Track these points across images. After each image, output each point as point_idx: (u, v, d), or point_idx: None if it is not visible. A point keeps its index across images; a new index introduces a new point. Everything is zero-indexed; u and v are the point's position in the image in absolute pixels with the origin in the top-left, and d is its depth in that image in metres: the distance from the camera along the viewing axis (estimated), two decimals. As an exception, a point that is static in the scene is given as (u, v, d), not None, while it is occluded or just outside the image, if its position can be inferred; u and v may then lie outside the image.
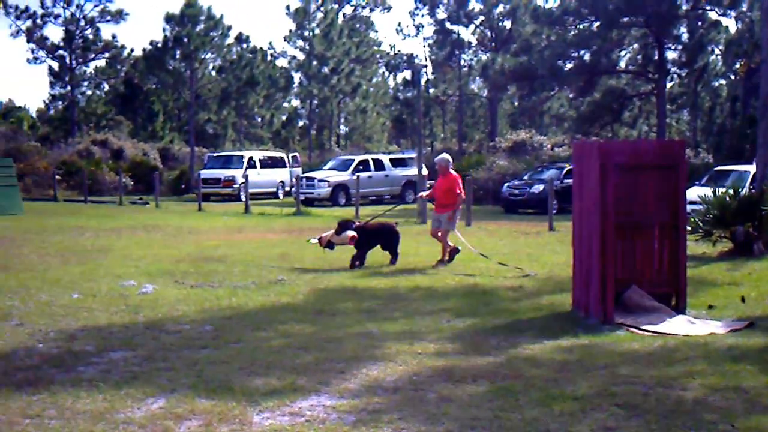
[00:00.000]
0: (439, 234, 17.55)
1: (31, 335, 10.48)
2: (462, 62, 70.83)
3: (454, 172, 17.91)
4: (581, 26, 47.81)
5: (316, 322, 11.30)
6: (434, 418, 7.13)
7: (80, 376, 8.51)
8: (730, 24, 52.88)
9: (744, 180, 26.73)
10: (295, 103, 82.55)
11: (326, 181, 40.80)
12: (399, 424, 7.01)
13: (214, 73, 68.47)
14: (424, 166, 32.43)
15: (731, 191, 19.12)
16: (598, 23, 46.30)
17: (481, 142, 65.44)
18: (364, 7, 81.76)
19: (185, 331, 10.72)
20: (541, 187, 33.76)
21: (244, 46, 72.73)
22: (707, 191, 20.12)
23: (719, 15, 47.49)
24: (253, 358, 9.20)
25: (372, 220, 18.81)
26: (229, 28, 63.38)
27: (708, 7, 46.41)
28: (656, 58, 47.03)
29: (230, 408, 7.40)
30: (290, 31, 73.28)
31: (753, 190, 20.17)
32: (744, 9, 46.95)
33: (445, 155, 18.47)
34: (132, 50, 73.88)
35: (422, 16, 70.84)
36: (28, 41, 67.25)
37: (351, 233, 17.03)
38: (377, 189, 42.10)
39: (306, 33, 71.14)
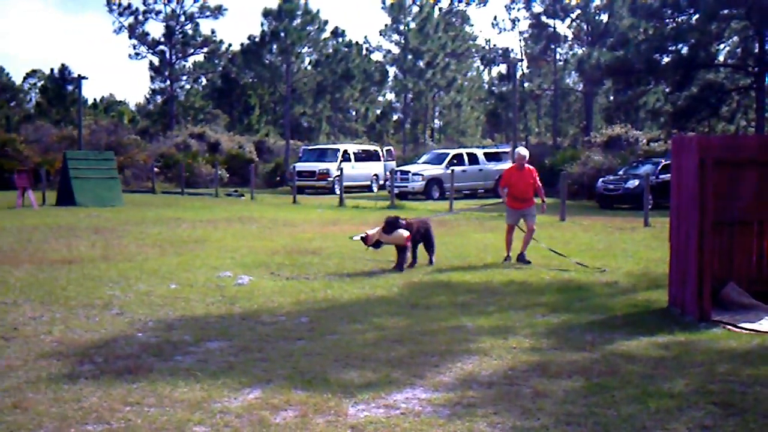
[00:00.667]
0: (527, 228, 17.04)
1: (131, 324, 10.69)
2: (557, 56, 70.30)
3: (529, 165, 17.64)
4: (679, 19, 47.06)
5: (410, 315, 11.34)
6: (529, 413, 7.12)
7: (178, 366, 8.66)
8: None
9: None
10: (390, 96, 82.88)
11: (420, 174, 40.86)
12: (494, 418, 7.00)
13: (309, 67, 69.00)
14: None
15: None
16: (696, 16, 45.55)
17: (576, 136, 64.97)
18: (460, 1, 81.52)
19: (281, 322, 10.84)
20: (636, 182, 33.42)
21: (340, 40, 73.14)
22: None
23: (824, 5, 46.41)
24: (348, 350, 9.27)
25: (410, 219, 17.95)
26: (326, 22, 63.92)
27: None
28: (756, 51, 46.07)
29: (325, 399, 7.46)
30: (385, 25, 73.47)
31: None
32: None
33: (524, 149, 18.23)
34: (230, 45, 74.87)
35: (518, 9, 70.60)
36: (130, 37, 68.65)
37: (405, 233, 15.87)
38: (471, 183, 42.07)
39: (401, 27, 71.23)
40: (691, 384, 7.97)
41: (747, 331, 10.43)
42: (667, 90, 52.46)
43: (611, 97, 70.67)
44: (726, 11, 44.87)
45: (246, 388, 7.86)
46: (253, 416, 7.05)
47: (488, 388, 7.87)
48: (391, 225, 15.91)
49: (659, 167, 34.06)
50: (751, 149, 11.92)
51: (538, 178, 17.35)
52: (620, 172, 36.95)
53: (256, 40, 60.59)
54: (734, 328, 10.57)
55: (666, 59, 47.16)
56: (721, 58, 50.78)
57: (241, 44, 64.38)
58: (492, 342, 9.66)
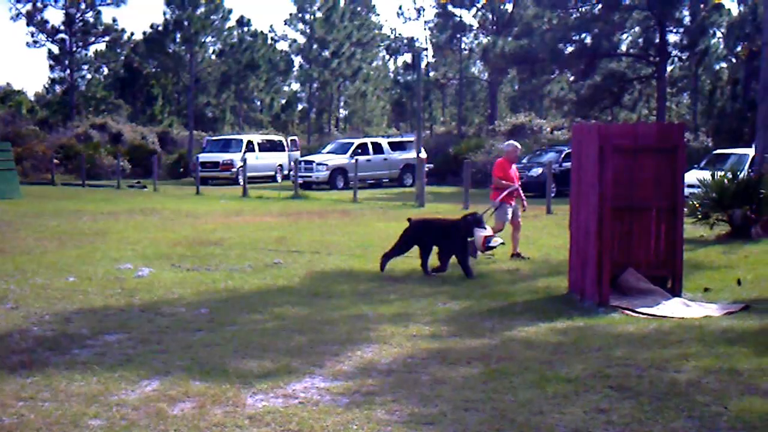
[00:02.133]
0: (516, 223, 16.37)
1: (27, 318, 10.46)
2: (463, 45, 70.66)
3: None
4: (583, 9, 47.64)
5: (311, 304, 11.28)
6: (427, 400, 7.14)
7: (75, 359, 8.50)
8: (733, 7, 52.94)
9: (743, 163, 26.66)
10: (295, 86, 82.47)
11: (324, 164, 40.75)
12: (392, 405, 7.00)
13: (214, 56, 68.34)
14: (423, 149, 32.35)
15: (729, 174, 19.11)
16: (599, 6, 46.16)
17: (481, 125, 65.32)
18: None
19: (180, 314, 10.71)
20: (539, 170, 33.73)
21: (245, 29, 72.53)
22: (706, 174, 20.10)
23: (722, -3, 47.37)
24: (248, 340, 9.20)
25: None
26: (230, 11, 63.25)
27: (710, -10, 46.31)
28: (657, 41, 46.85)
29: (224, 390, 7.39)
30: (291, 14, 73.12)
31: (752, 174, 20.12)
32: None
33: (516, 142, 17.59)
34: (132, 34, 73.73)
35: (424, -1, 70.88)
36: (28, 24, 66.96)
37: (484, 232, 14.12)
38: (376, 172, 42.08)
39: (307, 16, 70.98)
40: (588, 368, 8.04)
41: (645, 316, 10.59)
42: (571, 79, 53.13)
43: (516, 86, 71.36)
44: (628, 1, 45.59)
45: (144, 380, 7.75)
46: (150, 408, 6.95)
47: (387, 376, 7.86)
48: (473, 223, 14.11)
49: (562, 155, 34.44)
50: (649, 137, 12.07)
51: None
52: (524, 161, 37.22)
53: (159, 29, 59.73)
54: (632, 313, 10.72)
55: (570, 48, 47.73)
56: (623, 47, 51.58)
57: (144, 33, 63.44)
58: (392, 330, 9.65)
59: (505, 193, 15.99)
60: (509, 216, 16.24)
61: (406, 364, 8.25)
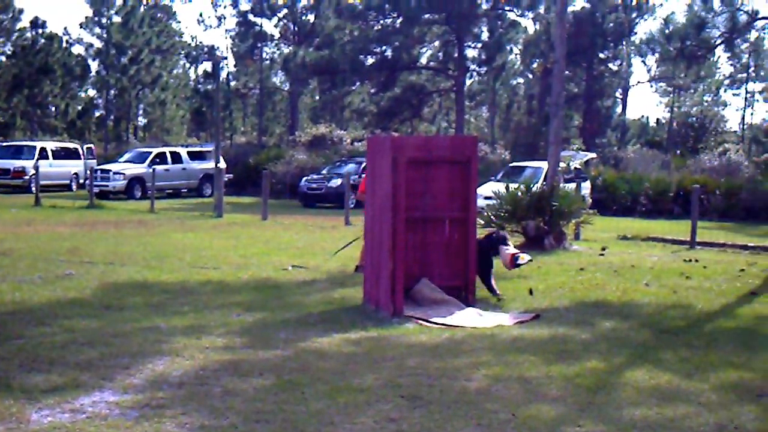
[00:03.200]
0: None
1: None
2: (264, 55, 70.45)
3: None
4: (383, 22, 48.29)
5: (102, 317, 11.00)
6: (218, 412, 7.08)
7: None
8: (528, 24, 54.52)
9: (537, 176, 27.51)
10: (92, 92, 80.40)
11: (121, 173, 39.88)
12: (182, 418, 6.92)
13: (4, 59, 66.01)
14: (222, 159, 32.11)
15: (523, 187, 19.69)
16: (400, 19, 46.89)
17: (282, 136, 65.37)
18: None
19: (-38, 327, 10.27)
20: (339, 181, 33.99)
21: (39, 31, 70.32)
22: (501, 187, 20.64)
23: (518, 15, 48.85)
24: (35, 354, 8.89)
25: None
26: (21, 11, 61.21)
27: (507, 8, 47.62)
28: (456, 55, 47.96)
29: (7, 407, 7.13)
30: (87, 17, 71.33)
31: (545, 186, 20.79)
32: (541, 10, 48.42)
33: None
34: None
35: (224, 7, 70.15)
36: None
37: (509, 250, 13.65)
38: (174, 182, 41.47)
39: (104, 20, 69.39)
40: (380, 378, 8.12)
41: (438, 326, 10.76)
42: (372, 90, 53.77)
43: (317, 97, 71.71)
44: (428, 16, 46.47)
45: None
46: (-75, 428, 6.64)
47: (178, 389, 7.75)
48: (496, 241, 13.68)
49: (362, 167, 34.74)
50: (443, 149, 12.30)
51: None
52: (324, 172, 37.53)
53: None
54: (426, 323, 10.88)
55: (370, 60, 48.37)
56: (423, 60, 52.55)
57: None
58: (185, 342, 9.52)
59: None
60: None
61: (198, 376, 8.15)
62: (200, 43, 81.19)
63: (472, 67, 50.74)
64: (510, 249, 13.56)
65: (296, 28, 65.52)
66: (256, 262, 16.26)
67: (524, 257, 13.60)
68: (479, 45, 49.26)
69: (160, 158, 41.26)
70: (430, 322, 10.92)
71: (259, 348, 9.36)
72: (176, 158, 42.07)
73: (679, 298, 13.33)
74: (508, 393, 7.79)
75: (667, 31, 31.36)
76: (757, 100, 76.98)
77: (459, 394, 7.70)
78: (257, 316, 11.15)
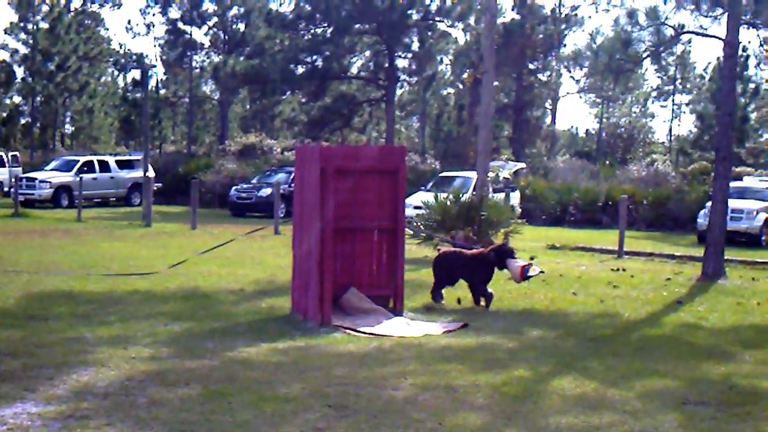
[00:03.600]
0: None
1: None
2: (194, 64, 70.02)
3: None
4: (314, 31, 48.22)
5: (26, 327, 10.85)
6: (143, 423, 7.03)
7: None
8: (459, 35, 54.76)
9: (467, 186, 27.62)
10: (17, 99, 79.23)
11: (48, 182, 39.32)
12: (106, 429, 6.87)
13: (-77, 65, 64.90)
14: (150, 167, 31.83)
15: (453, 197, 19.78)
16: (331, 29, 46.85)
17: (212, 145, 64.97)
18: (93, 2, 79.35)
19: None
20: (269, 190, 33.84)
21: (-39, 36, 69.22)
22: (430, 196, 20.71)
23: (448, 26, 48.96)
24: (-45, 366, 8.75)
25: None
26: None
27: (438, 18, 47.76)
28: (387, 65, 48.04)
29: (-75, 418, 7.00)
30: (12, 23, 70.26)
31: (475, 196, 20.89)
32: (471, 21, 48.67)
33: None
34: None
35: (153, 14, 69.59)
36: None
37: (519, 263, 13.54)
38: (102, 191, 40.96)
39: (30, 26, 68.45)
40: (307, 387, 8.11)
41: (366, 335, 10.78)
42: (302, 100, 53.66)
43: (247, 106, 71.41)
44: (358, 26, 46.49)
45: None
46: None
47: (103, 399, 7.68)
48: (504, 254, 13.52)
49: (292, 176, 34.62)
50: (372, 159, 12.35)
51: None
52: (254, 181, 37.35)
53: None
54: (354, 332, 10.89)
55: (301, 69, 48.23)
56: (354, 70, 52.55)
57: None
58: (111, 352, 9.42)
59: None
60: None
61: (124, 387, 8.07)
62: (129, 50, 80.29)
63: (403, 77, 50.85)
64: (519, 261, 13.51)
65: (226, 37, 65.23)
66: (185, 271, 16.11)
67: (535, 269, 13.59)
68: (410, 55, 49.36)
69: (88, 167, 40.75)
70: (358, 332, 10.93)
71: (186, 358, 9.29)
72: (104, 167, 41.56)
73: (606, 307, 13.52)
74: (435, 402, 7.83)
75: (594, 45, 31.70)
76: (684, 112, 78.15)
77: (386, 403, 7.72)
78: (185, 326, 11.07)
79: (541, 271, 14.44)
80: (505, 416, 7.47)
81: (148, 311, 12.09)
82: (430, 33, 48.67)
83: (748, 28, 21.61)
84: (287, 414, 7.32)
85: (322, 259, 11.44)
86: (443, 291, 13.54)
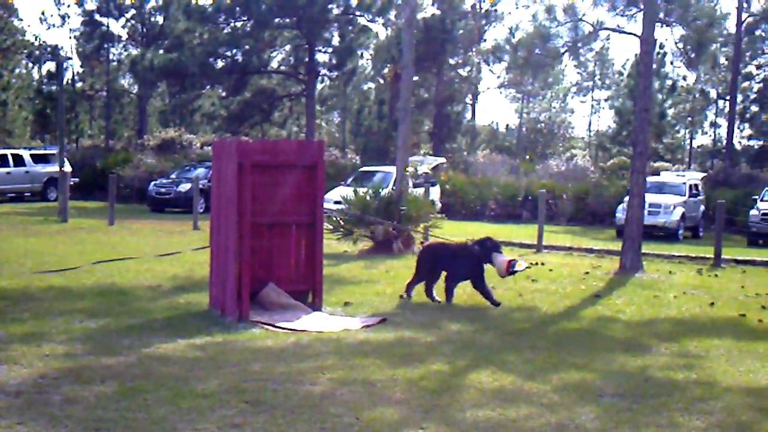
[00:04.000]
0: None
1: None
2: (111, 56, 69.15)
3: None
4: (234, 25, 47.94)
5: (-65, 325, 10.64)
6: (57, 421, 6.94)
7: None
8: (380, 30, 54.82)
9: (387, 181, 27.73)
10: (-71, 92, 77.76)
11: (-40, 176, 38.69)
12: (18, 428, 6.77)
13: None
14: (67, 162, 31.39)
15: (372, 191, 19.83)
16: (250, 23, 46.63)
17: (130, 139, 64.28)
18: (5, -8, 78.07)
19: None
20: (188, 185, 33.61)
21: None
22: (350, 191, 20.75)
23: (368, 21, 49.00)
24: None
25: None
26: None
27: (358, 13, 47.77)
28: (307, 60, 47.94)
29: None
30: None
31: (394, 191, 20.98)
32: (392, 16, 48.77)
33: None
34: None
35: (68, 6, 68.63)
36: None
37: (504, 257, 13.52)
38: (17, 186, 40.27)
39: (-59, 17, 67.20)
40: (224, 383, 8.08)
41: (284, 330, 10.76)
42: (222, 94, 53.39)
43: (166, 100, 70.79)
44: (278, 20, 46.31)
45: None
46: None
47: (15, 397, 7.57)
48: (490, 249, 13.35)
49: (211, 171, 34.42)
50: (290, 154, 12.33)
51: None
52: (173, 176, 37.07)
53: None
54: (272, 328, 10.86)
55: (220, 63, 47.97)
56: (274, 64, 52.38)
57: None
58: (24, 350, 9.27)
59: None
60: None
61: (37, 384, 7.96)
62: (44, 42, 79.01)
63: (323, 71, 50.76)
64: (505, 256, 13.51)
65: (144, 30, 64.58)
66: (102, 267, 15.92)
67: (521, 264, 13.62)
68: (330, 50, 49.31)
69: (2, 161, 40.02)
70: (277, 327, 10.91)
71: (102, 354, 9.18)
72: (19, 161, 40.85)
73: (525, 300, 13.66)
74: (352, 396, 7.84)
75: (513, 40, 31.99)
76: (603, 108, 79.24)
77: (303, 398, 7.73)
78: (101, 323, 10.93)
79: (528, 266, 14.49)
80: (422, 410, 7.51)
81: (64, 308, 11.91)
82: (350, 27, 48.67)
83: (662, 26, 22.01)
84: (204, 410, 7.28)
85: (239, 254, 11.39)
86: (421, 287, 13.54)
